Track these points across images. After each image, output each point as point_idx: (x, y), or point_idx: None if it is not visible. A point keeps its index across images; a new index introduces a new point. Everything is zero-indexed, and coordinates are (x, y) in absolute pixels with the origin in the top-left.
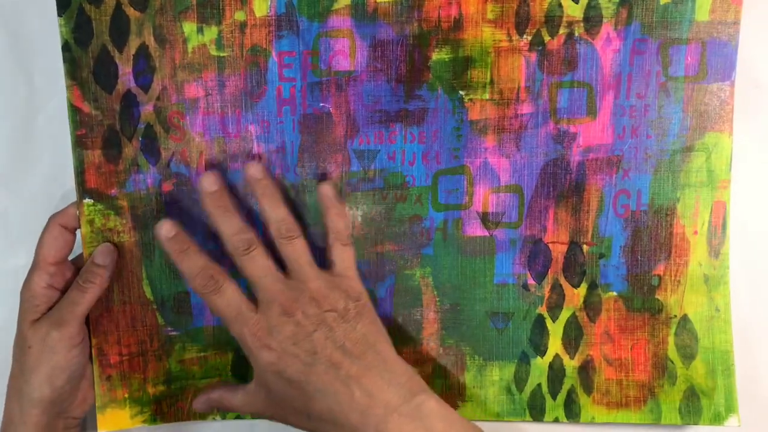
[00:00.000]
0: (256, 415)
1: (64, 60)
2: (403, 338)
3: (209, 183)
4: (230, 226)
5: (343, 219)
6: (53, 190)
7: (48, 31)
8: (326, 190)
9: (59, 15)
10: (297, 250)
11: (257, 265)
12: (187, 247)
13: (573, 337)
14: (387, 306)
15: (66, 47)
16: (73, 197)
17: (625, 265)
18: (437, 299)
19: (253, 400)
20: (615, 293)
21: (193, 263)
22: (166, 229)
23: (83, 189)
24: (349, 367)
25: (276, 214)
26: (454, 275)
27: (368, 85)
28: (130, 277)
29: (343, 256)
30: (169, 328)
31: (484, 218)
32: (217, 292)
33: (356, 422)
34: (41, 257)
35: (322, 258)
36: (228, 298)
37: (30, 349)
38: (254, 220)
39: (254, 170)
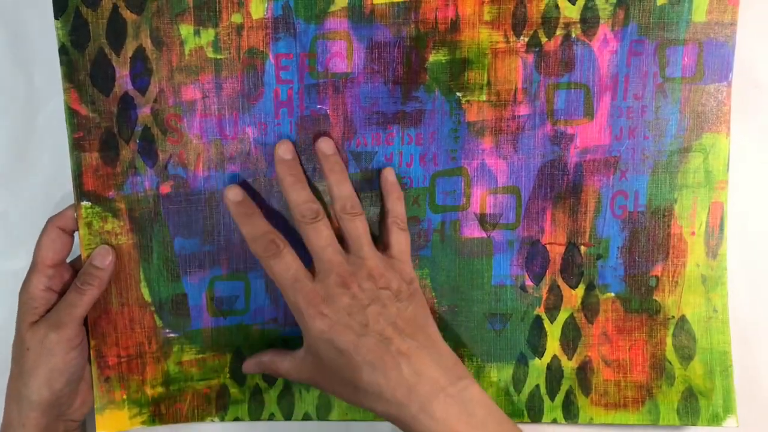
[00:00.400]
0: (303, 382)
1: (61, 63)
2: None
3: (284, 150)
4: (299, 195)
5: (403, 204)
6: (53, 191)
7: (48, 32)
8: (389, 174)
9: (56, 18)
10: (358, 227)
11: (321, 235)
12: (252, 211)
13: (571, 338)
14: None
15: (63, 50)
16: (73, 199)
17: (623, 266)
18: (435, 301)
19: (302, 366)
20: (613, 294)
21: (256, 227)
22: (233, 193)
23: (81, 191)
24: (400, 344)
25: (342, 190)
26: (452, 277)
27: (365, 87)
28: (127, 279)
29: (399, 240)
30: (167, 330)
31: (482, 220)
32: (276, 257)
33: (402, 398)
34: (39, 260)
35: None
36: (287, 263)
37: (28, 351)
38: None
39: (325, 145)
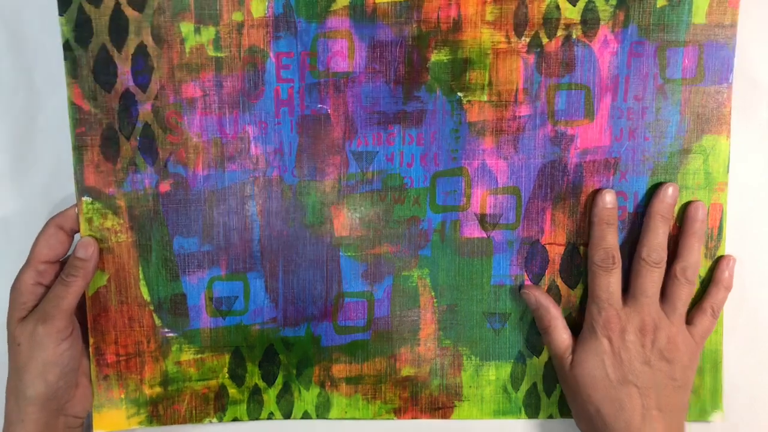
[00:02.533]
0: (556, 358)
1: (65, 58)
2: (400, 339)
3: (611, 201)
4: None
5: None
6: (53, 190)
7: (48, 32)
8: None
9: (60, 14)
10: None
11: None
12: (614, 222)
13: None
14: (384, 307)
15: (67, 46)
16: (73, 200)
17: (622, 266)
18: (435, 300)
19: (565, 353)
20: None
21: (610, 237)
22: (611, 197)
23: (82, 186)
24: (655, 410)
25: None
26: (452, 276)
27: (366, 87)
28: (127, 277)
29: (704, 323)
30: (166, 330)
31: (482, 220)
32: (608, 271)
33: None
34: (33, 255)
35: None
36: (613, 281)
37: (19, 346)
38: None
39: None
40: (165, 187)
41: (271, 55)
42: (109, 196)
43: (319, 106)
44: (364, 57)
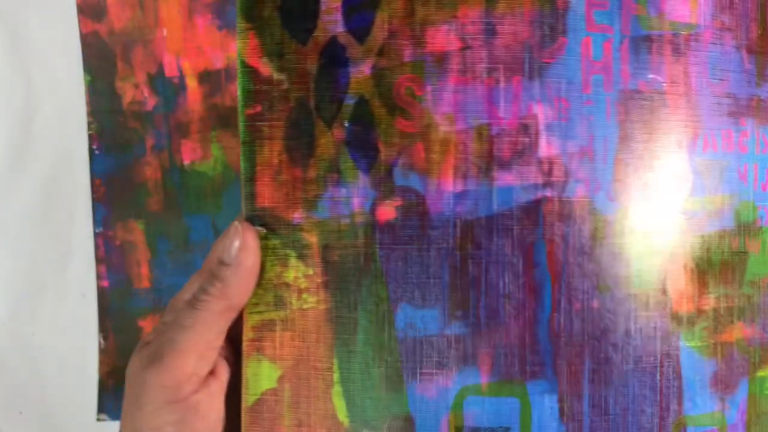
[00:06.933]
0: None
1: None
2: None
3: None
4: None
5: None
6: (51, 194)
7: (47, 31)
8: None
9: None
10: None
11: None
12: None
13: None
14: None
15: None
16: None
17: None
18: None
19: None
20: None
21: None
22: None
23: (251, 207)
24: None
25: None
26: None
27: (713, 52)
28: (314, 377)
29: None
30: None
31: None
32: None
33: None
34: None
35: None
36: None
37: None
38: None
39: None
40: (387, 211)
41: None
42: (293, 226)
43: (651, 76)
44: (709, 3)
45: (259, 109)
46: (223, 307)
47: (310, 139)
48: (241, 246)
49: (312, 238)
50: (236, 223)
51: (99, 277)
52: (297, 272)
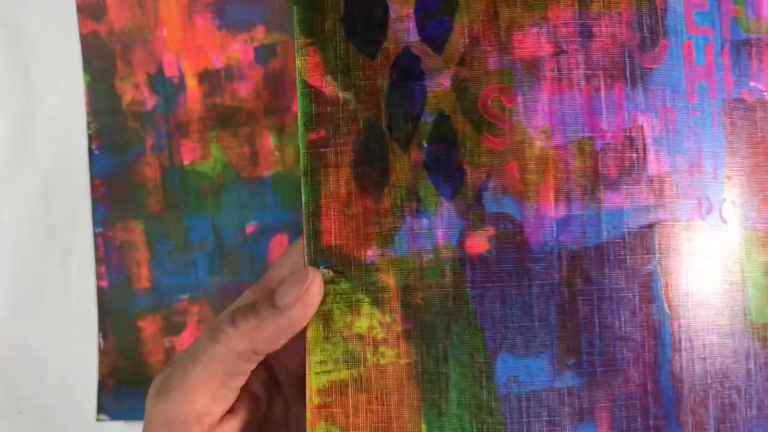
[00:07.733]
0: None
1: (295, 3)
2: None
3: None
4: None
5: None
6: (50, 194)
7: (47, 31)
8: None
9: None
10: None
11: None
12: None
13: None
14: None
15: None
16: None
17: None
18: None
19: None
20: None
21: None
22: None
23: (316, 246)
24: None
25: None
26: None
27: None
28: None
29: None
30: None
31: None
32: None
33: None
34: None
35: None
36: None
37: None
38: None
39: None
40: (479, 243)
41: None
42: (366, 266)
43: (752, 84)
44: None
45: (323, 133)
46: (245, 348)
47: (383, 164)
48: (301, 296)
49: (389, 280)
50: (311, 269)
51: (98, 277)
52: (372, 321)
